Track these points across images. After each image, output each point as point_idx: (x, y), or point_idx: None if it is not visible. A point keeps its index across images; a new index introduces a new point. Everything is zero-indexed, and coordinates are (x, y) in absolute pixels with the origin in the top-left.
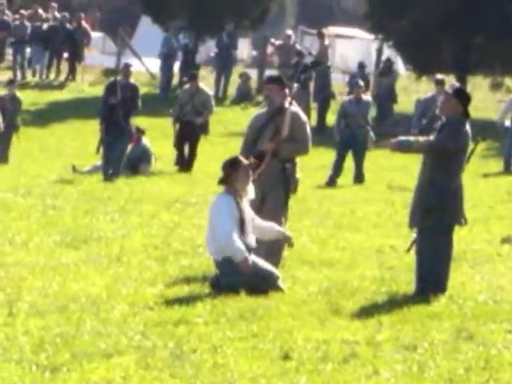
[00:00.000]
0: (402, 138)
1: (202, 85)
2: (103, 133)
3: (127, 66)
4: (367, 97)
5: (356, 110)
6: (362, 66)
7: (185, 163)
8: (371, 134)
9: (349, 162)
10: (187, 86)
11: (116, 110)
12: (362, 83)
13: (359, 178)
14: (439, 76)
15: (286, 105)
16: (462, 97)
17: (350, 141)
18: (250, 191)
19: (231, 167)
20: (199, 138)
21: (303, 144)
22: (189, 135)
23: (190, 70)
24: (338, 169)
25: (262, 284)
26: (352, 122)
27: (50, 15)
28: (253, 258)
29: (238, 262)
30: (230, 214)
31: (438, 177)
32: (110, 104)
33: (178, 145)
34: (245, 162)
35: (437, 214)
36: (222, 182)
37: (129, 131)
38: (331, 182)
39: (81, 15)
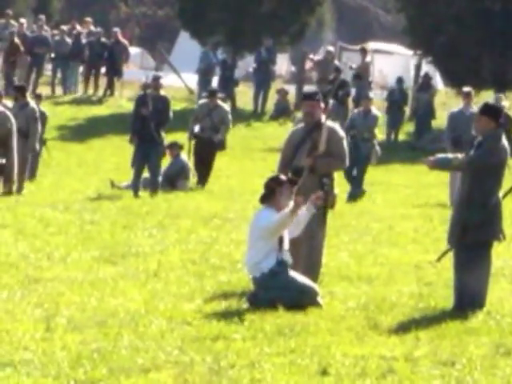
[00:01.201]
0: (441, 155)
1: (219, 101)
2: (136, 146)
3: (157, 79)
4: (376, 110)
5: (362, 123)
6: (400, 81)
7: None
8: (377, 148)
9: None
10: (205, 101)
11: (147, 122)
12: (371, 95)
13: (356, 193)
14: (466, 88)
15: (323, 120)
16: (490, 112)
17: (352, 153)
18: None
19: (273, 185)
20: (215, 155)
21: (340, 159)
22: (206, 151)
23: (229, 85)
24: (350, 182)
25: (301, 299)
26: (357, 135)
27: (85, 30)
28: (292, 274)
29: (290, 214)
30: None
31: (476, 193)
32: (142, 116)
33: (197, 166)
34: (286, 180)
35: (475, 230)
36: (263, 199)
37: (161, 143)
38: (350, 198)
39: (117, 30)
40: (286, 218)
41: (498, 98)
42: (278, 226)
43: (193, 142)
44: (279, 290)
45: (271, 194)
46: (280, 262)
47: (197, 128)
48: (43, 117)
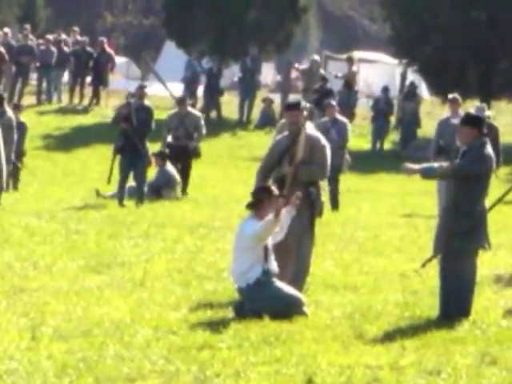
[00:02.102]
0: (426, 164)
1: (190, 108)
2: (120, 156)
3: (142, 87)
4: (343, 118)
5: (331, 133)
6: (385, 90)
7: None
8: (347, 156)
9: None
10: (175, 111)
11: (131, 133)
12: (333, 102)
13: (334, 205)
14: (451, 95)
15: (303, 128)
16: (472, 122)
17: None
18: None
19: (263, 195)
20: (191, 162)
21: (321, 168)
22: (181, 160)
23: (214, 94)
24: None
25: (287, 310)
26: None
27: (71, 39)
28: (278, 284)
29: (274, 220)
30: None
31: (462, 201)
32: (122, 129)
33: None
34: (276, 192)
35: (461, 238)
36: (250, 206)
37: (146, 153)
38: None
39: (103, 40)
40: (269, 224)
41: (481, 108)
42: (263, 232)
43: (167, 152)
44: (265, 300)
45: (259, 203)
46: (266, 272)
47: (169, 138)
48: (23, 127)
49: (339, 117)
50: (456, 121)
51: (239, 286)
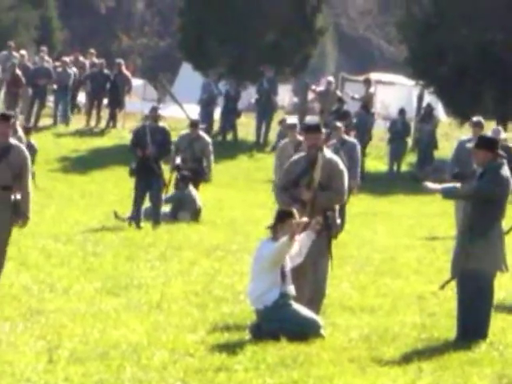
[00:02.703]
0: (447, 185)
1: (201, 132)
2: (136, 178)
3: (155, 109)
4: (351, 138)
5: (340, 154)
6: (402, 112)
7: None
8: (357, 176)
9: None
10: (186, 132)
11: (147, 155)
12: (338, 124)
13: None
14: (475, 118)
15: (322, 151)
16: (485, 145)
17: None
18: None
19: (286, 216)
20: (199, 185)
21: (339, 194)
22: (192, 182)
23: (232, 116)
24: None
25: (304, 332)
26: None
27: (88, 61)
28: (295, 306)
29: (288, 242)
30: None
31: (479, 223)
32: (138, 156)
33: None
34: (297, 215)
35: (478, 260)
36: (271, 228)
37: (162, 175)
38: None
39: (120, 62)
40: (284, 246)
41: (496, 131)
42: (279, 253)
43: (175, 174)
44: (282, 323)
45: (281, 224)
46: (283, 295)
47: (178, 160)
48: (32, 149)
49: (347, 138)
50: (470, 144)
51: (256, 307)
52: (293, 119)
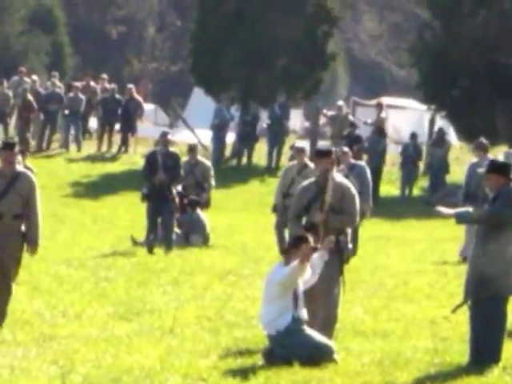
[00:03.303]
0: (460, 209)
1: (200, 157)
2: (148, 203)
3: (165, 135)
4: (360, 162)
5: (350, 179)
6: (414, 136)
7: None
8: (369, 200)
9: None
10: (186, 159)
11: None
12: (345, 149)
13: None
14: (478, 140)
15: (332, 174)
16: (498, 169)
17: None
18: (307, 271)
19: (298, 242)
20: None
21: (351, 217)
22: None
23: (250, 141)
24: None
25: (317, 357)
26: None
27: (99, 86)
28: (308, 332)
29: (299, 266)
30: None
31: (491, 247)
32: (153, 183)
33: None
34: (311, 241)
35: (491, 284)
36: (284, 252)
37: (173, 200)
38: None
39: (131, 87)
40: (294, 270)
41: (508, 154)
42: (290, 278)
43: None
44: (295, 348)
45: (295, 249)
46: (296, 320)
47: (179, 187)
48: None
49: (356, 162)
50: (482, 168)
51: (269, 333)
52: (301, 143)
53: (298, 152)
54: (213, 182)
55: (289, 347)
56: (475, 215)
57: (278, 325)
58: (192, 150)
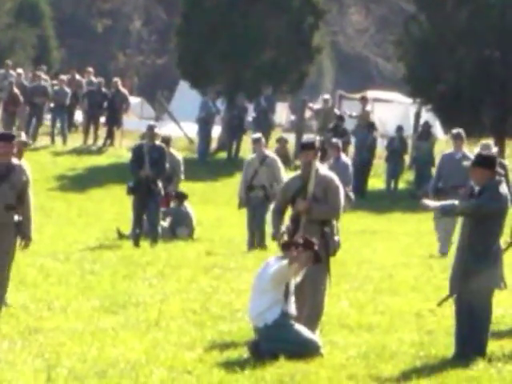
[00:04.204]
0: (446, 202)
1: (172, 149)
2: (133, 196)
3: (151, 128)
4: (345, 159)
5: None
6: (400, 129)
7: None
8: (350, 194)
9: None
10: None
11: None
12: (336, 141)
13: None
14: (455, 130)
15: (315, 165)
16: (483, 163)
17: None
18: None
19: (297, 243)
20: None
21: (334, 208)
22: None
23: (238, 133)
24: None
25: (303, 353)
26: None
27: (85, 80)
28: (296, 327)
29: (288, 264)
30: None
31: (476, 240)
32: (139, 176)
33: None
34: (311, 240)
35: (476, 277)
36: (284, 247)
37: (159, 193)
38: None
39: (117, 80)
40: (283, 269)
41: (486, 146)
42: (280, 275)
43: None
44: (282, 342)
45: (290, 246)
46: (284, 314)
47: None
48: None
49: (342, 157)
50: (458, 157)
51: (256, 325)
52: (287, 136)
53: (254, 143)
54: (182, 176)
55: (276, 341)
56: (461, 208)
57: (266, 318)
58: (165, 141)
